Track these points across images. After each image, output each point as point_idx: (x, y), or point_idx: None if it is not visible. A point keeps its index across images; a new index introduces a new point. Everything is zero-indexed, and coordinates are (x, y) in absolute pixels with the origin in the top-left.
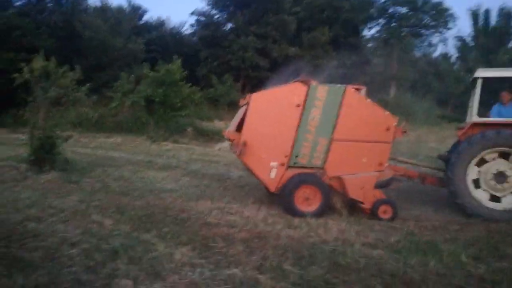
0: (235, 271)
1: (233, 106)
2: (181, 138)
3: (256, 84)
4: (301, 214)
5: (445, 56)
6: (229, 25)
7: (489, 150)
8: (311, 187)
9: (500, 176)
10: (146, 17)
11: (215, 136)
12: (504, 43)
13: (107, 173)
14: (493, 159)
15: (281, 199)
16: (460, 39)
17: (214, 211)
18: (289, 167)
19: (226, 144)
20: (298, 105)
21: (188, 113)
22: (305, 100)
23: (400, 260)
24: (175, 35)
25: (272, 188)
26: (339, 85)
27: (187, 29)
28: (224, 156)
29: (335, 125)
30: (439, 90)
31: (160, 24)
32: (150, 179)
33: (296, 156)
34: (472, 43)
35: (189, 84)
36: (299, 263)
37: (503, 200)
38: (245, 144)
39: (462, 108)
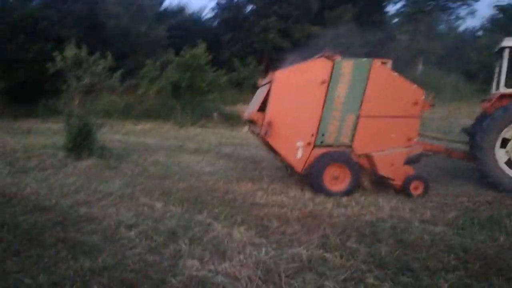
0: (299, 249)
1: (257, 89)
2: (207, 123)
3: (279, 66)
4: (330, 194)
5: (485, 28)
6: (249, 7)
7: None
8: (339, 165)
9: None
10: (166, 4)
11: (240, 120)
12: None
13: (143, 158)
14: None
15: (309, 179)
16: (502, 7)
17: (258, 192)
18: (315, 146)
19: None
20: (323, 82)
21: (215, 97)
22: (331, 76)
23: (466, 236)
24: (196, 20)
25: (299, 168)
26: (365, 59)
27: (207, 13)
28: (253, 138)
29: (362, 101)
30: (471, 63)
31: (181, 9)
32: (186, 162)
33: (323, 135)
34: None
35: (214, 68)
36: (363, 241)
37: None
38: (270, 124)
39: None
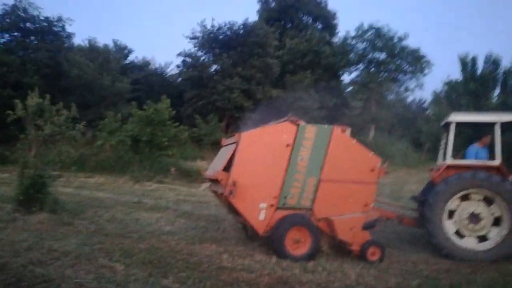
0: None
1: (217, 145)
2: (164, 178)
3: (240, 124)
4: (292, 258)
5: (437, 101)
6: (214, 67)
7: (466, 191)
8: (301, 228)
9: (474, 217)
10: (131, 57)
11: (199, 176)
12: (492, 88)
13: (99, 214)
14: (478, 200)
15: (271, 241)
16: (450, 84)
17: (223, 254)
18: (278, 208)
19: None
20: (287, 145)
21: (174, 152)
22: (295, 139)
23: None
24: (160, 75)
25: (261, 230)
26: (326, 126)
27: (172, 69)
28: (211, 196)
29: (323, 165)
30: (419, 132)
31: (146, 64)
32: (144, 220)
33: (285, 197)
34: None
35: (176, 123)
36: None
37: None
38: (234, 184)
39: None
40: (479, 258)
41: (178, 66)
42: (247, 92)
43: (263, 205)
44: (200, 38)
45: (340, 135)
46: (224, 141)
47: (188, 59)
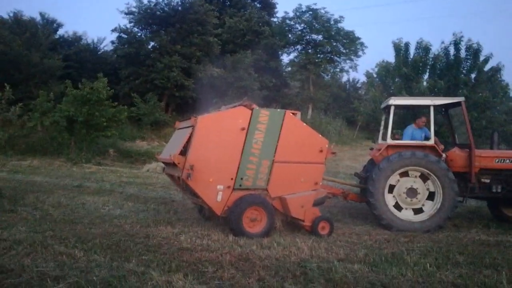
0: None
1: (157, 125)
2: (103, 160)
3: (180, 103)
4: (249, 236)
5: (370, 82)
6: (151, 44)
7: (405, 168)
8: (257, 208)
9: (411, 192)
10: (61, 32)
11: (140, 157)
12: (423, 72)
13: (41, 199)
14: (415, 176)
15: (229, 221)
16: (384, 66)
17: (180, 235)
18: (234, 189)
19: (154, 165)
20: (243, 129)
21: (113, 133)
22: (249, 123)
23: (380, 272)
24: (93, 51)
25: (219, 211)
26: (279, 110)
27: (106, 46)
28: (156, 177)
29: (276, 147)
30: (351, 111)
31: (77, 39)
32: (91, 205)
33: (241, 178)
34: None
35: (115, 103)
36: (298, 282)
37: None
38: (192, 167)
39: (368, 129)
40: (415, 228)
41: (112, 42)
42: (187, 71)
43: (220, 186)
44: (136, 14)
45: (292, 119)
46: (179, 124)
47: (124, 35)
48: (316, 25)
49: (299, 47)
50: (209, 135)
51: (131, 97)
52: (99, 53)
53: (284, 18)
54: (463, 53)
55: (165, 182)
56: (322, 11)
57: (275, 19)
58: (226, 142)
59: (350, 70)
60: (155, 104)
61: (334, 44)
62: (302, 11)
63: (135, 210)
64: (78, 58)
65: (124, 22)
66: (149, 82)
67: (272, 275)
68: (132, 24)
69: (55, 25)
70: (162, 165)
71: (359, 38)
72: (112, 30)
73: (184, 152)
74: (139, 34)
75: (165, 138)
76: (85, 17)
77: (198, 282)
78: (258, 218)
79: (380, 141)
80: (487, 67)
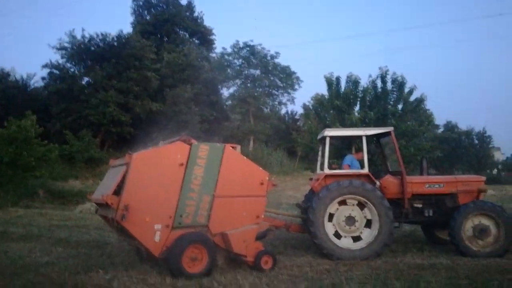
0: None
1: (91, 163)
2: (32, 202)
3: (118, 139)
4: (189, 276)
5: (307, 114)
6: (86, 79)
7: (344, 197)
8: (198, 246)
9: (349, 220)
10: None
11: (72, 198)
12: (354, 104)
13: None
14: (353, 204)
15: (167, 262)
16: (318, 99)
17: (113, 282)
18: (173, 228)
19: (87, 205)
20: (181, 164)
21: (43, 173)
22: (188, 159)
23: None
24: (22, 88)
25: (157, 252)
26: (219, 144)
27: (36, 82)
28: (89, 219)
29: (217, 182)
30: (291, 142)
31: (4, 75)
32: (15, 252)
33: (181, 216)
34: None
35: (45, 142)
36: None
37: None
38: (127, 208)
39: (307, 159)
40: (355, 256)
41: (43, 78)
42: (124, 106)
43: (158, 226)
44: (69, 49)
45: (232, 152)
46: (113, 162)
47: (55, 71)
48: (254, 60)
49: (238, 81)
50: (145, 172)
51: (63, 134)
52: (28, 89)
53: (222, 54)
54: (389, 86)
55: (99, 223)
56: (259, 47)
57: (213, 55)
58: (164, 179)
59: (288, 102)
60: (89, 141)
61: (272, 78)
62: (240, 47)
63: (65, 256)
64: (5, 95)
65: (56, 57)
66: (83, 118)
67: None
68: (64, 59)
69: None
70: (96, 205)
71: (294, 73)
72: (43, 66)
73: (118, 191)
74: (72, 70)
75: (101, 177)
76: (13, 53)
77: None
78: (199, 257)
79: (318, 171)
80: (412, 98)
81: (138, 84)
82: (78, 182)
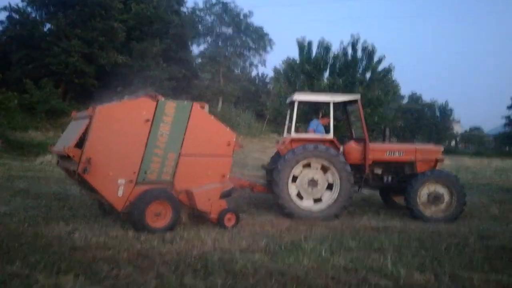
0: None
1: (53, 114)
2: None
3: (81, 91)
4: (151, 231)
5: (277, 78)
6: (47, 26)
7: (308, 160)
8: (161, 202)
9: (312, 182)
10: None
11: (32, 149)
12: (324, 70)
13: None
14: (317, 168)
15: (131, 217)
16: (289, 63)
17: (74, 233)
18: (137, 183)
19: (49, 157)
20: (147, 120)
21: (1, 122)
22: (154, 115)
23: (279, 261)
24: None
25: (119, 207)
26: (186, 102)
27: None
28: (50, 171)
29: (183, 140)
30: (260, 105)
31: None
32: None
33: (145, 172)
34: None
35: (3, 89)
36: (198, 276)
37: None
38: (89, 161)
39: (275, 122)
40: (314, 216)
41: (1, 22)
42: (88, 57)
43: (121, 181)
44: None
45: (199, 111)
46: (76, 114)
47: (15, 15)
48: (226, 18)
49: (209, 39)
50: (108, 126)
51: (23, 83)
52: None
53: (194, 9)
54: (359, 54)
55: (60, 175)
56: (232, 4)
57: (184, 9)
58: (128, 134)
59: (259, 65)
60: (51, 91)
61: (244, 38)
62: (212, 3)
63: (24, 206)
64: None
65: (15, 1)
66: (44, 67)
67: (172, 271)
68: (25, 3)
69: None
70: (57, 157)
71: (267, 34)
72: (1, 9)
73: (80, 144)
74: (33, 15)
75: (62, 129)
76: None
77: (90, 282)
78: (163, 212)
79: (285, 134)
80: (380, 68)
81: (104, 35)
82: (39, 133)
